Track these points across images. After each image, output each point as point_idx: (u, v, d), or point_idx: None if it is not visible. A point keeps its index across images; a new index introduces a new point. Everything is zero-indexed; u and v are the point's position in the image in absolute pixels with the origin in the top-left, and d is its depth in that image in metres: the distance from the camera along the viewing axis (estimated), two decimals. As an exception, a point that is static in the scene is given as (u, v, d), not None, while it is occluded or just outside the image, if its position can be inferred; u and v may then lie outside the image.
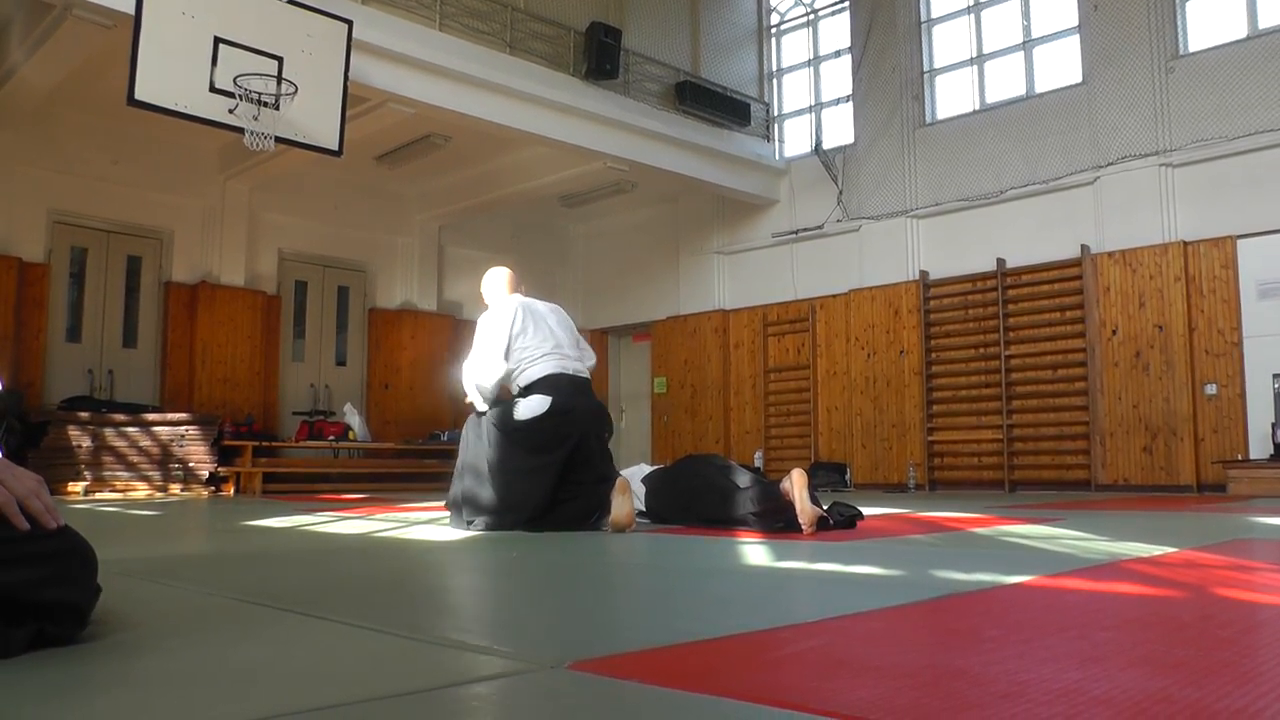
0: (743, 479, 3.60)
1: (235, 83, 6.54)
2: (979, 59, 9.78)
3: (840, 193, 10.38)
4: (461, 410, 4.26)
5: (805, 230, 10.67)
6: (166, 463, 8.44)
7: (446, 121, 8.70)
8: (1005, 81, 9.61)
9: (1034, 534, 3.43)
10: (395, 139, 9.61)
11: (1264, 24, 8.07)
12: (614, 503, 3.49)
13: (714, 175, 10.28)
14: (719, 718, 0.93)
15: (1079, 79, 8.93)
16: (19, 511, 1.20)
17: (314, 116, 6.99)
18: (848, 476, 9.91)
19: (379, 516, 4.77)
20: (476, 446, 3.84)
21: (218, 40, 6.50)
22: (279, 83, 6.71)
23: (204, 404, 9.40)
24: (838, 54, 10.97)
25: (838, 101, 10.91)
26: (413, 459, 10.27)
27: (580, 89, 9.10)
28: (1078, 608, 1.70)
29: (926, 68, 10.07)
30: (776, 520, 3.38)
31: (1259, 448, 7.63)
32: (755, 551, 2.76)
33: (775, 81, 11.64)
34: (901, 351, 9.79)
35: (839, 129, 10.84)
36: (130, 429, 8.36)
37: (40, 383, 8.73)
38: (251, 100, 6.59)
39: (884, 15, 10.23)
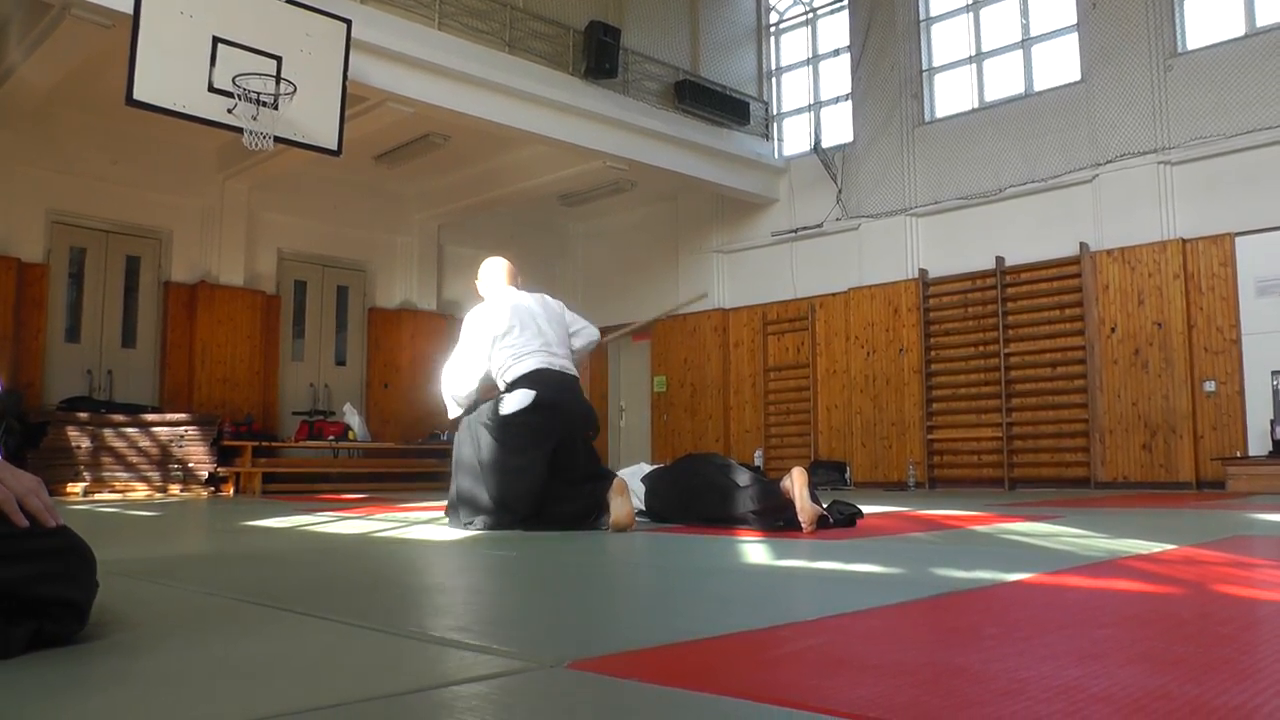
0: (742, 478, 3.61)
1: (234, 82, 6.53)
2: (978, 57, 9.78)
3: (839, 191, 10.38)
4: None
5: (804, 229, 10.67)
6: (166, 463, 8.44)
7: (445, 121, 8.69)
8: (1004, 80, 9.62)
9: (1033, 531, 3.43)
10: (394, 138, 9.60)
11: (1262, 22, 8.07)
12: (613, 504, 3.49)
13: (713, 174, 10.28)
14: (719, 716, 0.93)
15: (1078, 77, 8.93)
16: (18, 509, 1.21)
17: (313, 116, 6.98)
18: (847, 475, 9.92)
19: (379, 516, 4.77)
20: (469, 446, 3.85)
21: (216, 40, 6.50)
22: (278, 82, 6.71)
23: (203, 404, 9.40)
24: (836, 53, 10.97)
25: (837, 100, 10.91)
26: (412, 459, 10.27)
27: (579, 88, 9.09)
28: (1077, 605, 1.70)
29: (925, 66, 10.07)
30: (776, 519, 3.38)
31: (1258, 444, 7.64)
32: (755, 550, 2.76)
33: (774, 80, 11.64)
34: (901, 350, 9.79)
35: (838, 127, 10.85)
36: (129, 429, 8.35)
37: (39, 383, 8.73)
38: (250, 100, 6.59)
39: (883, 14, 10.23)
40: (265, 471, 8.98)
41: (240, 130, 6.65)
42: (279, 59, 6.74)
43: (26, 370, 8.62)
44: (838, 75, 10.93)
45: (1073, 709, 0.90)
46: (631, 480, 4.00)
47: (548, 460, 3.75)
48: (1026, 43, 9.46)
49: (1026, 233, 9.06)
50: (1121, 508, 5.19)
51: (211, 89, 6.49)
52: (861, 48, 10.42)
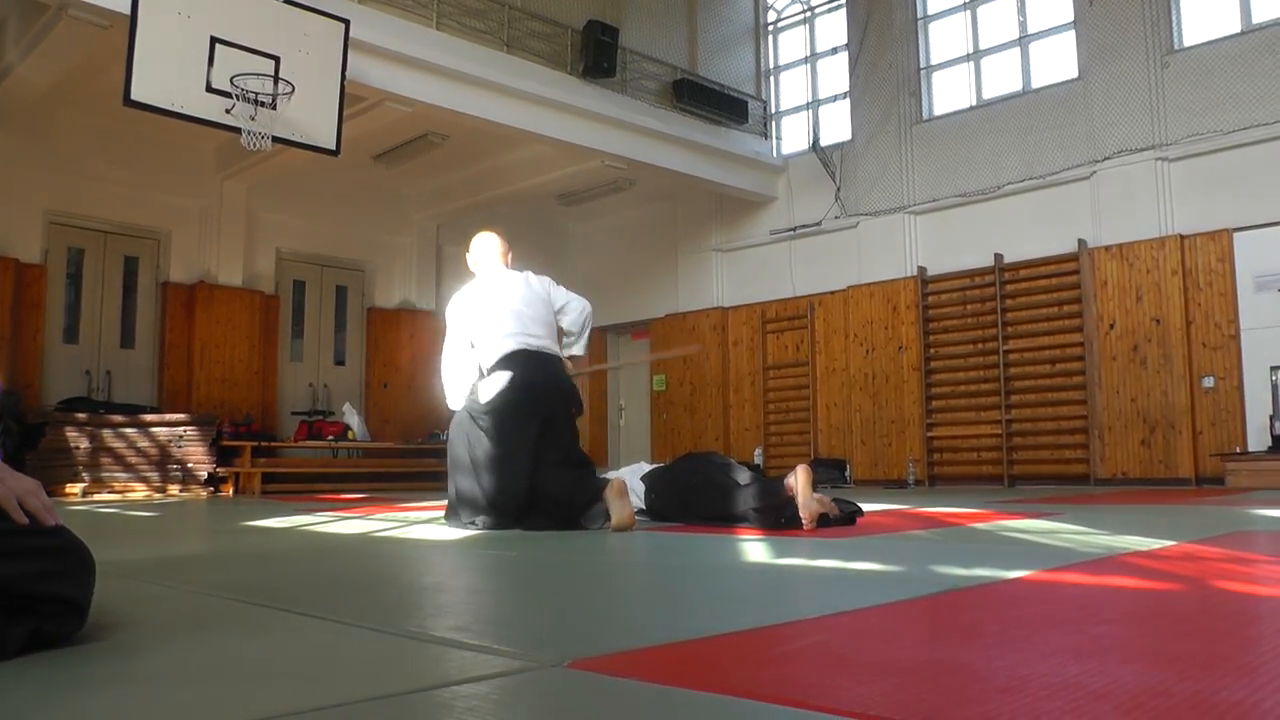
0: (743, 476, 3.63)
1: (232, 82, 6.52)
2: (975, 55, 9.78)
3: (838, 189, 10.37)
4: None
5: (803, 227, 10.67)
6: (165, 463, 8.43)
7: (444, 120, 8.69)
8: (1002, 77, 9.61)
9: (1033, 528, 3.43)
10: (393, 138, 9.60)
11: (1258, 19, 8.07)
12: (613, 507, 3.48)
13: (712, 173, 10.27)
14: (719, 716, 0.93)
15: (1075, 74, 8.94)
16: (18, 507, 1.21)
17: (311, 116, 6.98)
18: (847, 473, 9.92)
19: (378, 516, 4.77)
20: (461, 444, 3.86)
21: (214, 40, 6.49)
22: (276, 82, 6.70)
23: (202, 404, 9.39)
24: (834, 51, 10.96)
25: (835, 98, 10.91)
26: (412, 458, 10.27)
27: (577, 87, 9.09)
28: (1077, 602, 1.70)
29: (923, 64, 10.07)
30: (777, 517, 3.39)
31: (1257, 440, 7.64)
32: (755, 549, 2.76)
33: (772, 79, 11.64)
34: (900, 347, 9.80)
35: (836, 126, 10.84)
36: (128, 430, 8.35)
37: (38, 384, 8.72)
38: (248, 100, 6.58)
39: (881, 12, 10.23)
40: (264, 471, 8.98)
41: (238, 130, 6.64)
42: (277, 59, 6.73)
43: (25, 371, 8.61)
44: (836, 73, 10.93)
45: (1073, 706, 0.90)
46: (631, 479, 4.00)
47: (534, 444, 3.71)
48: (1024, 40, 9.46)
49: (1025, 230, 9.06)
50: (1121, 504, 5.20)
51: (209, 89, 6.48)
52: (859, 46, 10.41)
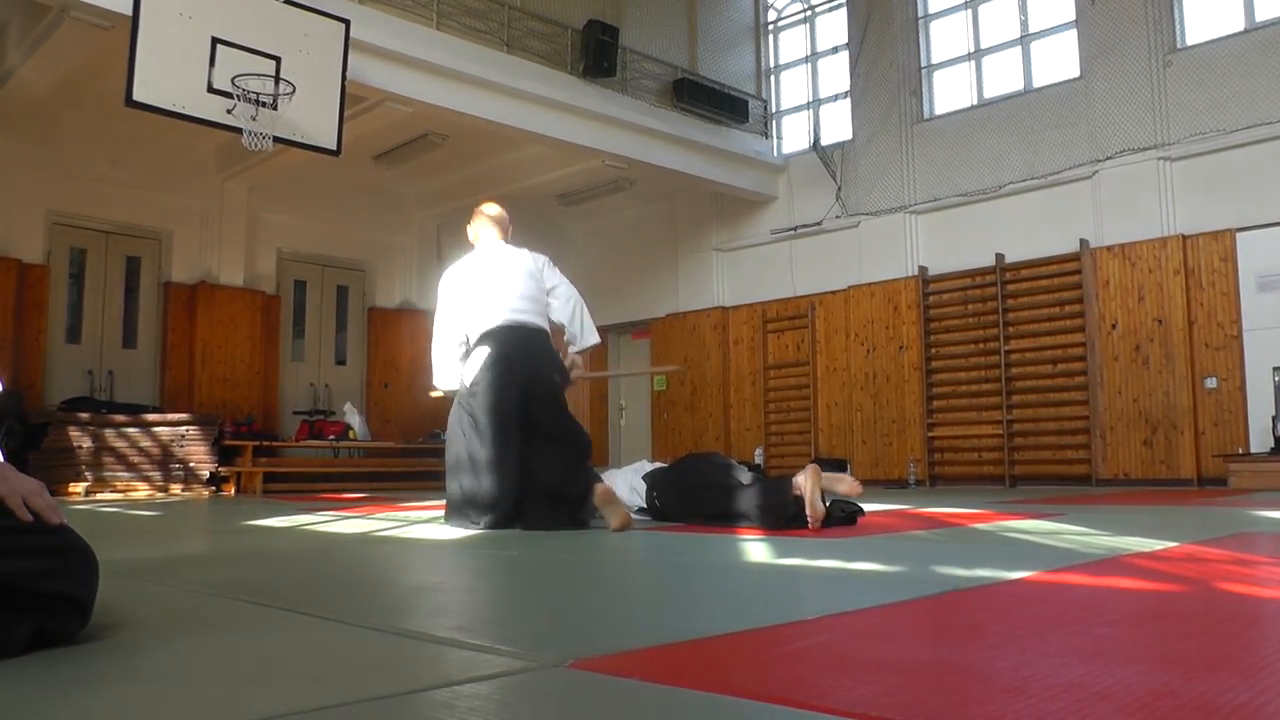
0: (744, 476, 3.65)
1: (233, 83, 6.53)
2: (977, 54, 9.77)
3: (839, 189, 10.37)
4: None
5: (804, 226, 10.67)
6: (167, 463, 8.44)
7: (444, 120, 8.69)
8: (1003, 76, 9.61)
9: (1035, 529, 3.43)
10: (393, 138, 9.60)
11: (1261, 17, 8.06)
12: (608, 513, 3.50)
13: (712, 172, 10.27)
14: (721, 716, 0.93)
15: (1077, 73, 8.92)
16: (23, 505, 1.22)
17: (312, 116, 6.98)
18: (848, 472, 9.89)
19: (379, 516, 4.77)
20: (458, 441, 3.88)
21: (215, 40, 6.49)
22: (277, 82, 6.70)
23: (204, 404, 9.40)
24: (835, 50, 10.96)
25: (835, 98, 10.90)
26: (413, 458, 10.27)
27: (578, 87, 9.08)
28: (1079, 603, 1.70)
29: (924, 63, 10.06)
30: (778, 516, 3.40)
31: (1259, 441, 7.63)
32: (756, 548, 2.76)
33: (773, 78, 11.63)
34: (901, 347, 9.79)
35: (837, 125, 10.84)
36: (130, 429, 8.35)
37: (40, 384, 8.73)
38: (249, 100, 6.58)
39: (881, 11, 10.22)
40: (266, 471, 8.98)
41: (239, 130, 6.64)
42: (278, 59, 6.73)
43: (27, 371, 8.62)
44: (836, 72, 10.92)
45: (1076, 707, 0.90)
46: (633, 478, 4.02)
47: (517, 416, 3.70)
48: (1025, 39, 9.45)
49: (1026, 229, 9.05)
50: (1123, 505, 5.19)
51: (211, 89, 6.49)
52: (860, 45, 10.41)
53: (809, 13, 11.37)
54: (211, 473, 8.62)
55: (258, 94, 6.61)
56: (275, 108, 6.70)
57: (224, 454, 8.83)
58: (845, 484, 3.51)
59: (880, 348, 9.95)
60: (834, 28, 11.05)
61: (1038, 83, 9.27)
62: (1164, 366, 8.16)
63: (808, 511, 3.31)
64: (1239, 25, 8.15)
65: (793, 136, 11.33)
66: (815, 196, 10.59)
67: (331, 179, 10.36)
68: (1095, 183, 8.65)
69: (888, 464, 9.80)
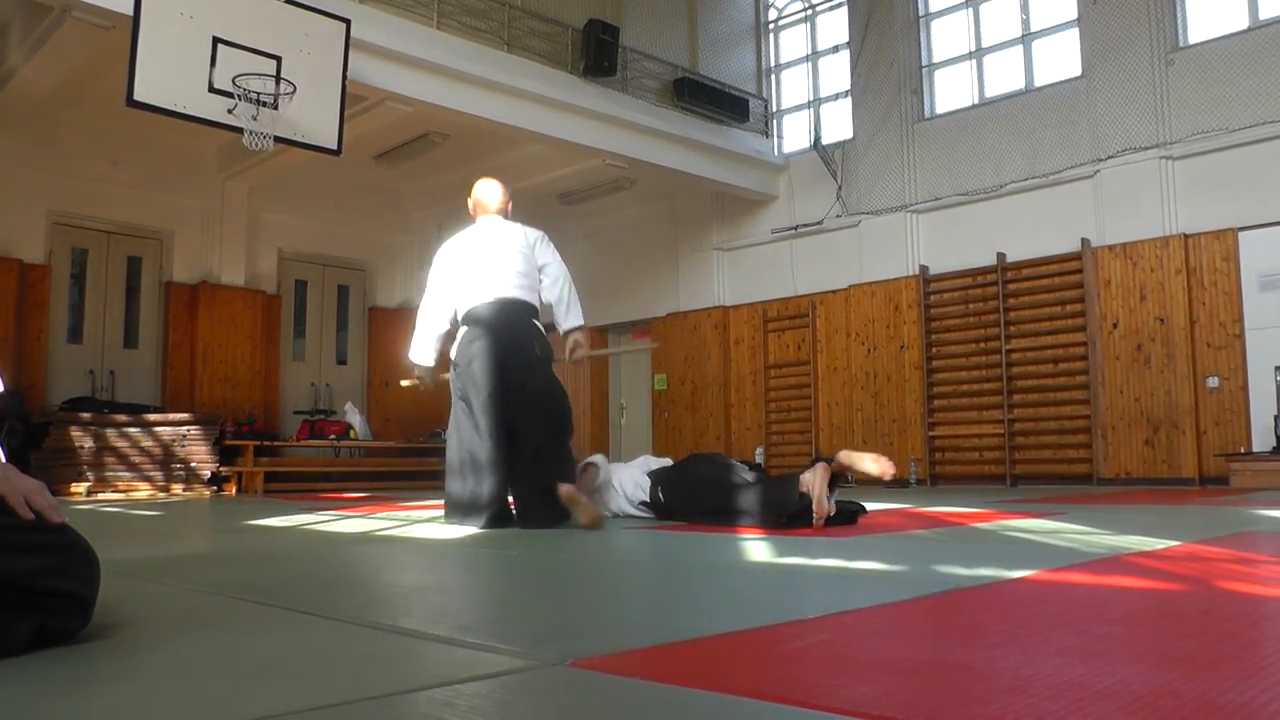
0: (747, 475, 3.67)
1: (234, 83, 6.53)
2: (978, 53, 9.76)
3: (839, 188, 10.37)
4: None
5: (804, 226, 10.66)
6: (168, 463, 8.45)
7: (445, 120, 8.69)
8: (1004, 75, 9.60)
9: (1036, 528, 3.43)
10: (394, 138, 9.60)
11: (1264, 15, 8.05)
12: (576, 512, 3.51)
13: (713, 171, 10.27)
14: (722, 715, 0.93)
15: (1078, 72, 8.91)
16: (24, 503, 1.22)
17: (312, 116, 6.98)
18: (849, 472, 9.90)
19: (380, 515, 4.77)
20: (454, 436, 3.89)
21: (216, 40, 6.49)
22: (277, 82, 6.71)
23: (205, 404, 9.41)
24: (836, 49, 10.95)
25: (836, 97, 10.89)
26: (414, 457, 10.28)
27: (578, 86, 9.08)
28: (1081, 602, 1.70)
29: (925, 62, 10.05)
30: (780, 514, 3.41)
31: (1261, 440, 7.62)
32: (757, 548, 2.76)
33: (774, 77, 11.63)
34: (902, 347, 9.79)
35: (838, 124, 10.83)
36: (132, 429, 8.36)
37: (42, 384, 8.74)
38: (250, 100, 6.59)
39: (882, 10, 10.21)
40: (267, 471, 8.99)
41: (240, 130, 6.64)
42: (278, 59, 6.74)
43: (29, 371, 8.63)
44: (837, 71, 10.92)
45: (1077, 706, 0.90)
46: (638, 474, 4.05)
47: (499, 391, 3.69)
48: (1027, 38, 9.44)
49: (1027, 228, 9.04)
50: (1124, 504, 5.19)
51: (211, 89, 6.49)
52: (861, 44, 10.40)
53: (809, 12, 11.37)
54: (213, 472, 8.63)
55: (258, 94, 6.61)
56: (276, 107, 6.70)
57: (225, 454, 8.84)
58: (875, 464, 3.44)
59: (881, 347, 9.95)
60: (834, 27, 11.04)
61: (1039, 81, 9.26)
62: (1165, 366, 8.15)
63: (814, 508, 3.33)
64: (1242, 24, 8.14)
65: (793, 136, 11.33)
66: (816, 196, 10.58)
67: (332, 178, 10.37)
68: (1097, 182, 8.64)
69: (889, 463, 9.77)
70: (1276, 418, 7.40)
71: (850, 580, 2.03)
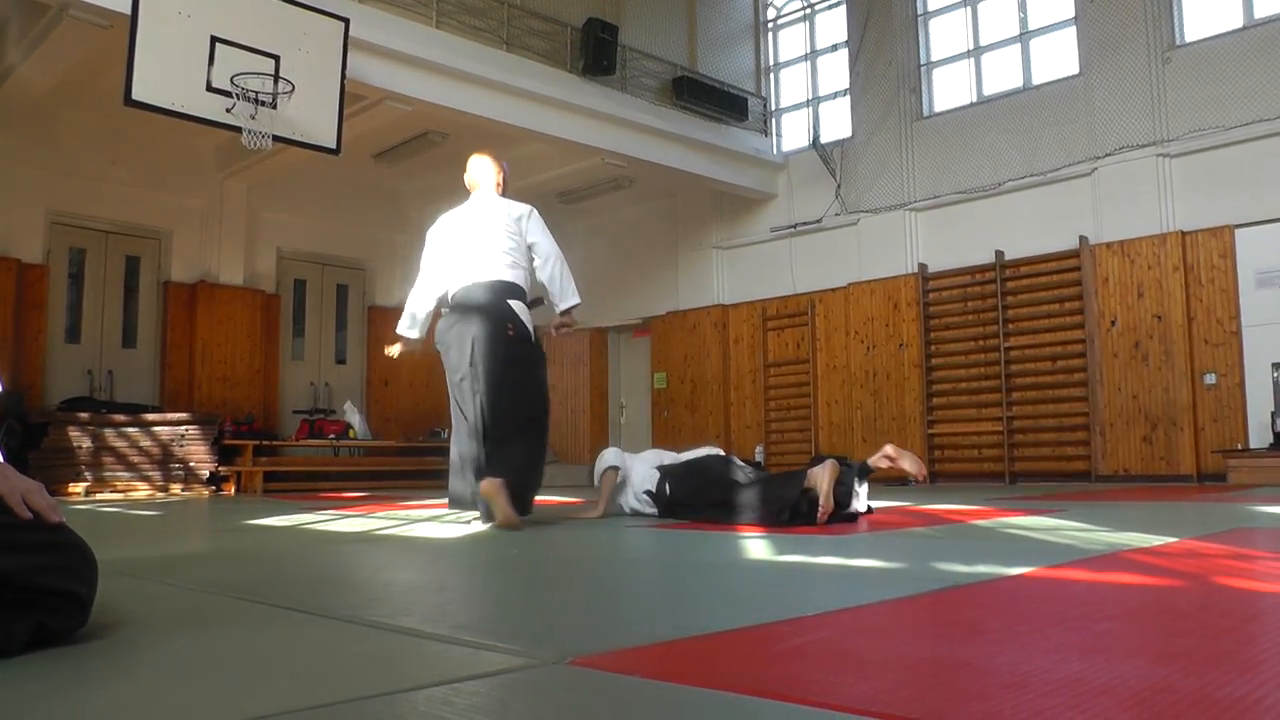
0: (749, 474, 3.70)
1: (232, 82, 6.52)
2: (976, 51, 9.76)
3: (838, 186, 10.37)
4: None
5: (803, 224, 10.66)
6: (167, 463, 8.44)
7: (444, 119, 8.68)
8: (1002, 73, 9.60)
9: (1035, 525, 3.43)
10: (393, 137, 9.59)
11: (1260, 13, 8.05)
12: (491, 507, 3.41)
13: (712, 170, 10.26)
14: (722, 713, 0.93)
15: (1076, 70, 8.92)
16: (22, 502, 1.23)
17: (311, 115, 6.98)
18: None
19: (380, 514, 4.77)
20: (453, 429, 3.92)
21: (214, 39, 6.49)
22: (276, 81, 6.70)
23: (204, 403, 9.40)
24: (834, 48, 10.95)
25: (835, 95, 10.89)
26: (413, 456, 10.27)
27: (577, 85, 9.08)
28: (1079, 598, 1.70)
29: (923, 60, 10.05)
30: (781, 510, 3.43)
31: (1258, 437, 7.63)
32: (756, 545, 2.77)
33: (772, 76, 11.62)
34: (901, 345, 9.79)
35: (836, 123, 10.83)
36: (130, 429, 8.35)
37: (40, 384, 8.73)
38: (249, 99, 6.58)
39: (881, 8, 10.21)
40: (266, 470, 8.98)
41: (239, 129, 6.64)
42: (277, 58, 6.73)
43: (27, 371, 8.62)
44: (836, 70, 10.92)
45: (1075, 702, 0.90)
46: (646, 468, 4.08)
47: (469, 371, 3.68)
48: (1024, 36, 9.44)
49: (1026, 226, 9.05)
50: (1122, 501, 5.19)
51: (210, 88, 6.48)
52: (859, 42, 10.40)
53: (808, 10, 11.36)
54: (211, 472, 8.62)
55: (257, 93, 6.61)
56: (275, 106, 6.70)
57: (224, 453, 8.83)
58: (913, 464, 3.64)
59: (880, 345, 9.95)
60: (833, 25, 11.04)
61: (1037, 80, 9.26)
62: (1163, 363, 8.16)
63: (821, 503, 3.35)
64: (1238, 22, 8.15)
65: (792, 134, 11.33)
66: (815, 194, 10.58)
67: (331, 177, 10.36)
68: (1094, 179, 8.65)
69: (888, 461, 9.78)
70: (1273, 414, 7.41)
71: (849, 578, 2.03)
